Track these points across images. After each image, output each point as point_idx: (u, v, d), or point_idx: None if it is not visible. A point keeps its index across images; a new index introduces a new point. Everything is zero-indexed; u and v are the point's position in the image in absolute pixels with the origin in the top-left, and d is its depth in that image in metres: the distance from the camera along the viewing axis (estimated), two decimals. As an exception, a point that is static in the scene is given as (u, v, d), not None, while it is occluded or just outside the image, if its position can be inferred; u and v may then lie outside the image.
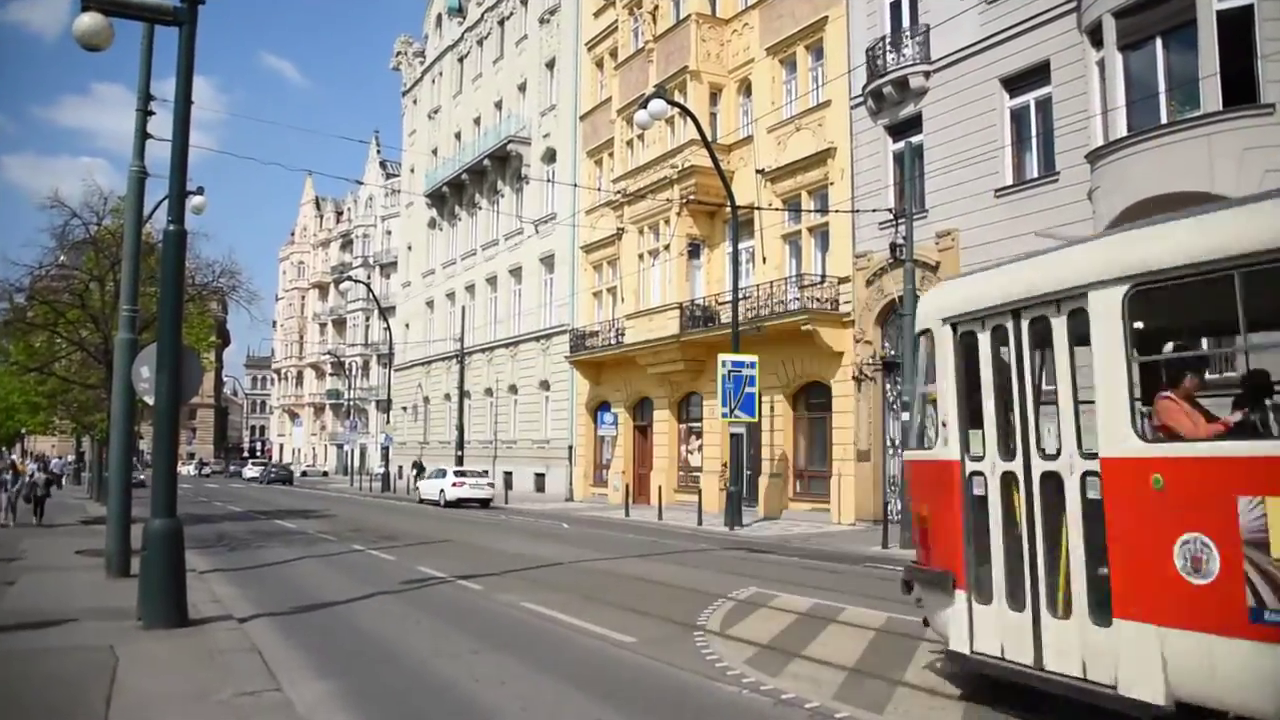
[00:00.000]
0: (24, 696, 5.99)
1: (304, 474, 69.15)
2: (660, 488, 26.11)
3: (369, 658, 7.57)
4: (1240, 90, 14.65)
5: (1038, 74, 18.50)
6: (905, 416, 17.67)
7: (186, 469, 73.23)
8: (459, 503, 30.25)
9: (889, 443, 21.20)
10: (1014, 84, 19.09)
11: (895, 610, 9.62)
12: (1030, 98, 18.83)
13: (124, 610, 8.59)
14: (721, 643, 8.04)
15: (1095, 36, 16.87)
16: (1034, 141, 18.79)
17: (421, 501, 32.91)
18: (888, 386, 21.45)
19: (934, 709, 6.05)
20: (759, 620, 9.21)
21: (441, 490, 31.13)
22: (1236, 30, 14.74)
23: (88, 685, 6.15)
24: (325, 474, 72.00)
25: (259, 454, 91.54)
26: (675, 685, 6.67)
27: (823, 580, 12.51)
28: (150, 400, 9.61)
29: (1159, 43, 15.78)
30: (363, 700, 6.34)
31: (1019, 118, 19.18)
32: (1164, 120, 15.48)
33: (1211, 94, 14.72)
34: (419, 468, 40.80)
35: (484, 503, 30.57)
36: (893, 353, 20.91)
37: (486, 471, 33.87)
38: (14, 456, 43.25)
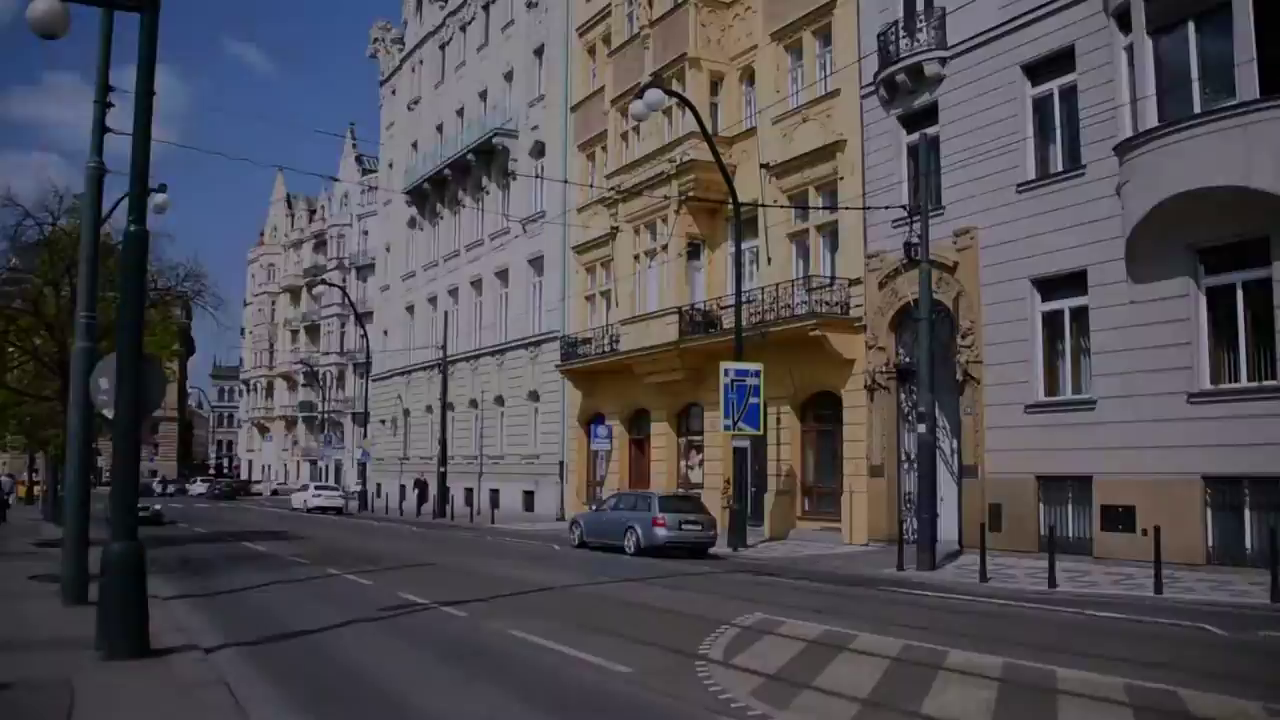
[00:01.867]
0: (-27, 734, 5.96)
1: (274, 492, 69.01)
2: (659, 506, 26.05)
3: (346, 691, 7.55)
4: (1279, 78, 14.72)
5: (1062, 60, 18.58)
6: (921, 428, 17.72)
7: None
8: (321, 509, 41.38)
9: (904, 457, 21.21)
10: (1036, 71, 19.18)
11: (911, 637, 9.64)
12: (1054, 86, 18.91)
13: (81, 640, 8.55)
14: (725, 672, 8.04)
15: (1123, 20, 16.96)
16: (1058, 133, 18.87)
17: (293, 509, 43.32)
18: (902, 396, 21.47)
19: (954, 743, 6.06)
20: (765, 648, 9.21)
21: (305, 500, 43.31)
22: (1274, 13, 14.81)
23: (42, 721, 6.12)
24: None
25: (226, 470, 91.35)
26: (675, 719, 6.66)
27: (833, 605, 12.52)
28: (109, 414, 9.59)
29: (1191, 27, 15.88)
30: (339, 736, 6.36)
31: (1042, 107, 19.25)
32: (1197, 110, 15.56)
33: (1248, 82, 14.80)
34: (421, 486, 40.72)
35: (338, 510, 41.88)
36: (907, 360, 20.94)
37: (339, 486, 47.72)
38: None
